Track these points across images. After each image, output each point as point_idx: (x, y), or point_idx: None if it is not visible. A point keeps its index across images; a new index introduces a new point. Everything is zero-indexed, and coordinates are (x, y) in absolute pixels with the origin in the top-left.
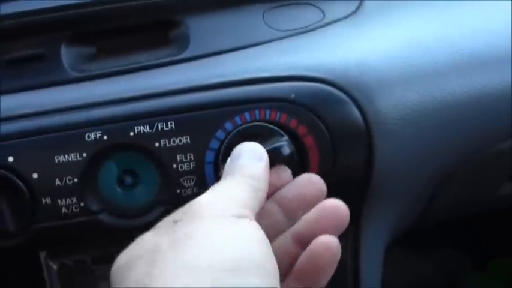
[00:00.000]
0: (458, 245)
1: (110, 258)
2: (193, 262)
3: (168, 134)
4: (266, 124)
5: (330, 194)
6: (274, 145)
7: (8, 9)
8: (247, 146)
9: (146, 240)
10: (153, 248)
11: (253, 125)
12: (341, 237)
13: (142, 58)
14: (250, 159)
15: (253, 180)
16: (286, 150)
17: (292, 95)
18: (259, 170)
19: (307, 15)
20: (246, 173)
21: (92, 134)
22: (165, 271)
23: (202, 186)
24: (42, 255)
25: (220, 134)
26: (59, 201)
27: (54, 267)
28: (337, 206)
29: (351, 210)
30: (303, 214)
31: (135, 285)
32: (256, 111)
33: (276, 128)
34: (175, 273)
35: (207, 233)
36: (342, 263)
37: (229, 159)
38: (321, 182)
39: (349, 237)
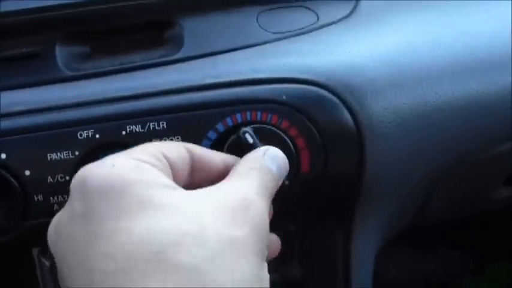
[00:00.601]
0: (459, 244)
1: None
2: None
3: (160, 134)
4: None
5: (321, 195)
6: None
7: (3, 7)
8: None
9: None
10: None
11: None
12: (332, 240)
13: (137, 58)
14: (281, 171)
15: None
16: (249, 139)
17: (284, 97)
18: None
19: (301, 18)
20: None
21: (85, 132)
22: None
23: None
24: (35, 251)
25: (211, 134)
26: (51, 198)
27: (47, 263)
28: None
29: (342, 212)
30: None
31: None
32: (248, 113)
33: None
34: None
35: None
36: (333, 262)
37: (263, 153)
38: None
39: (341, 238)
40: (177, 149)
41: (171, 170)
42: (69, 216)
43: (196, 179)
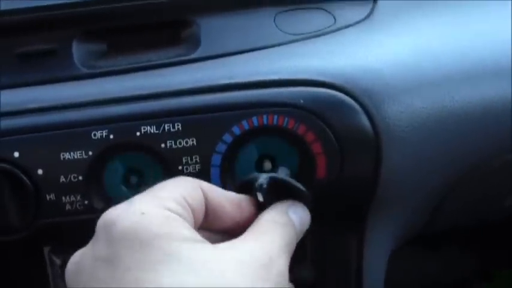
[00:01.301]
0: (466, 246)
1: None
2: None
3: (175, 136)
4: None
5: (336, 200)
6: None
7: (21, 4)
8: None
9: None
10: None
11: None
12: (345, 243)
13: (153, 57)
14: (303, 227)
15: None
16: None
17: (301, 101)
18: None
19: (318, 20)
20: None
21: (99, 132)
22: None
23: None
24: (46, 250)
25: (227, 137)
26: (63, 198)
27: (58, 262)
28: None
29: (356, 216)
30: None
31: None
32: (264, 116)
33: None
34: None
35: None
36: (345, 265)
37: (287, 208)
38: None
39: (354, 242)
40: (195, 193)
41: (193, 216)
42: (92, 258)
43: (208, 222)
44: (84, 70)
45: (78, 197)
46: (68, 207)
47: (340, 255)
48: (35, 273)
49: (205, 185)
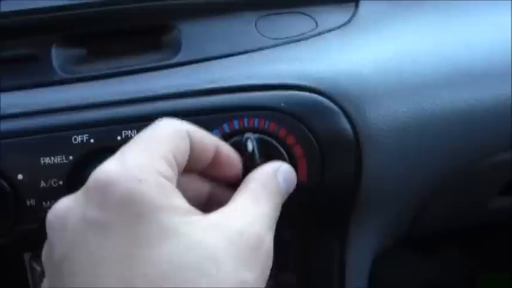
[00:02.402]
0: (465, 247)
1: None
2: None
3: None
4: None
5: (318, 203)
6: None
7: (1, 9)
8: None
9: None
10: None
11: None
12: (327, 249)
13: (133, 62)
14: (289, 189)
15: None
16: (250, 146)
17: (282, 104)
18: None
19: (300, 25)
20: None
21: (79, 137)
22: None
23: None
24: (27, 256)
25: None
26: (43, 203)
27: (38, 269)
28: None
29: (338, 220)
30: None
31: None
32: (245, 119)
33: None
34: None
35: None
36: (328, 270)
37: (275, 172)
38: None
39: (336, 246)
40: (184, 145)
41: (178, 172)
42: (81, 217)
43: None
44: (64, 75)
45: None
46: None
47: (322, 260)
48: (15, 280)
49: (190, 128)
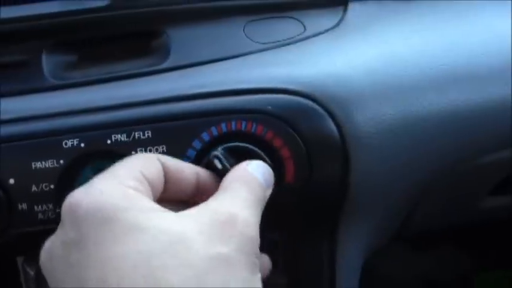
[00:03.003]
0: (460, 242)
1: None
2: None
3: (145, 143)
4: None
5: (306, 205)
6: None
7: None
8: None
9: None
10: None
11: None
12: (317, 249)
13: (123, 67)
14: (267, 180)
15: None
16: (218, 164)
17: (269, 107)
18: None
19: (288, 28)
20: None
21: (70, 141)
22: None
23: None
24: (20, 260)
25: (196, 143)
26: (35, 207)
27: (31, 272)
28: None
29: (327, 221)
30: None
31: None
32: (233, 122)
33: (255, 149)
34: None
35: None
36: (318, 272)
37: (245, 166)
38: None
39: (326, 249)
40: (154, 166)
41: (151, 188)
42: (62, 242)
43: (170, 191)
44: (54, 81)
45: (50, 206)
46: (40, 216)
47: (312, 260)
48: (8, 283)
49: (163, 157)
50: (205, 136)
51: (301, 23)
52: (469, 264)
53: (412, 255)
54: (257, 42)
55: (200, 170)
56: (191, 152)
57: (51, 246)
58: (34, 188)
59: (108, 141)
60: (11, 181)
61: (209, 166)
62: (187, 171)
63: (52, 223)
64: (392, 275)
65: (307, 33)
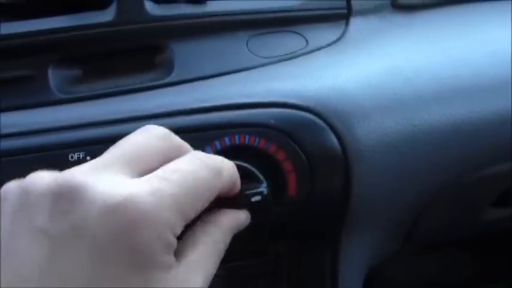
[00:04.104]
0: (466, 245)
1: None
2: None
3: None
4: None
5: (309, 217)
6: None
7: None
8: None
9: None
10: None
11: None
12: (320, 261)
13: (128, 82)
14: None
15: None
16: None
17: (272, 121)
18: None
19: (290, 43)
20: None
21: (76, 154)
22: None
23: None
24: None
25: None
26: None
27: None
28: None
29: (330, 233)
30: None
31: None
32: (236, 136)
33: (253, 169)
34: None
35: None
36: (320, 283)
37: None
38: None
39: (329, 259)
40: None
41: None
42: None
43: None
44: (61, 95)
45: None
46: None
47: (315, 272)
48: None
49: None
50: (209, 150)
51: (304, 37)
52: (474, 267)
53: (416, 259)
54: (260, 56)
55: None
56: None
57: None
58: None
59: None
60: None
61: None
62: None
63: None
64: (396, 278)
65: (309, 48)
